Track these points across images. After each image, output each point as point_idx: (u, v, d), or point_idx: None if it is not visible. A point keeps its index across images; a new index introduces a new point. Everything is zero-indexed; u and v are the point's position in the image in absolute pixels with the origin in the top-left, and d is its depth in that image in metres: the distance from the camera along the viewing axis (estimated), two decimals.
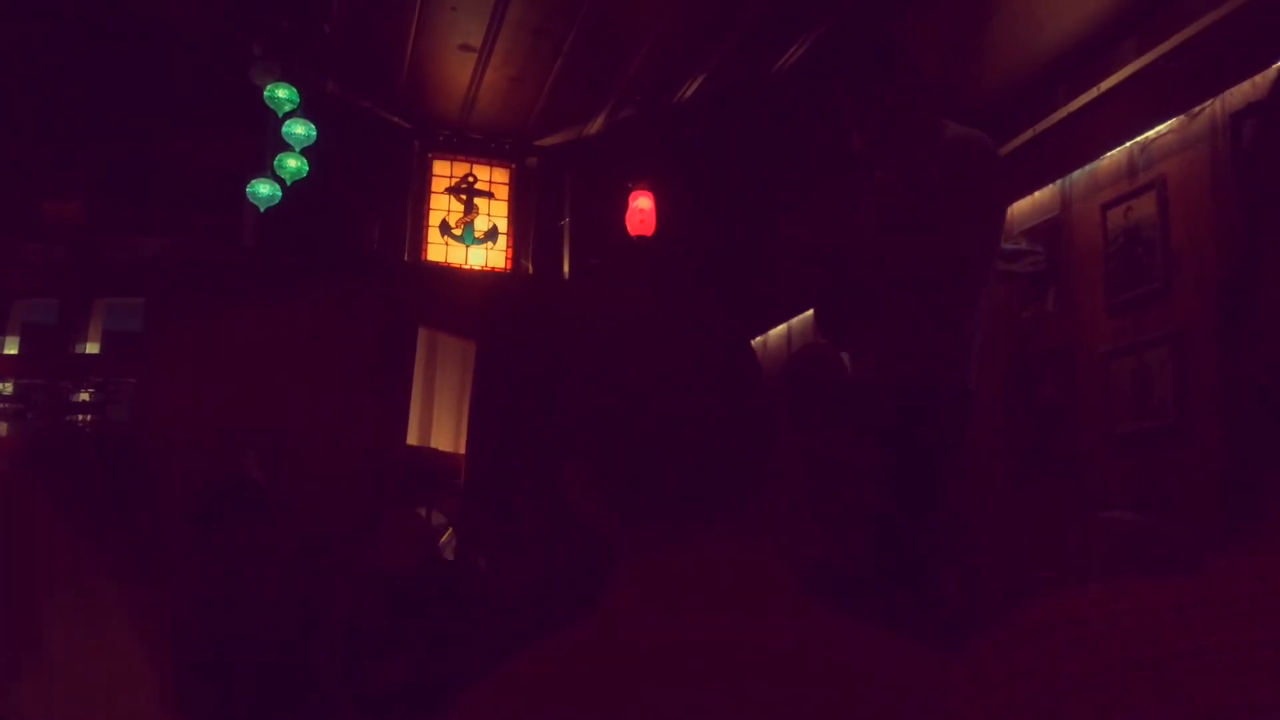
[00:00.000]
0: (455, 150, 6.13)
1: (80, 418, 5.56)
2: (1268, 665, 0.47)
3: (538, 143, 6.10)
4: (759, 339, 5.60)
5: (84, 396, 5.57)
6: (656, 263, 5.41)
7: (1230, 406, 0.58)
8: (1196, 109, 3.17)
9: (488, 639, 2.74)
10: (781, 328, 5.45)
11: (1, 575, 0.79)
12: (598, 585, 0.91)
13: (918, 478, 2.34)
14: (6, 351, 5.74)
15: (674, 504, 0.92)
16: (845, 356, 2.70)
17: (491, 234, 6.14)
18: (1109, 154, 3.52)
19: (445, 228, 6.09)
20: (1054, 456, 3.61)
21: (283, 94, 4.97)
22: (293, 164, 5.12)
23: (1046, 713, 0.50)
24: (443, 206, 6.12)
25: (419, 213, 6.07)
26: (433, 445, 6.05)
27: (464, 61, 5.14)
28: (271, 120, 5.10)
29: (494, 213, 6.18)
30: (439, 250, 6.06)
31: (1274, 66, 2.85)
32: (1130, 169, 3.43)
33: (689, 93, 5.28)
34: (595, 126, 5.79)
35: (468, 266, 6.07)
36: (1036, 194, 3.83)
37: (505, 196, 6.20)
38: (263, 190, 5.09)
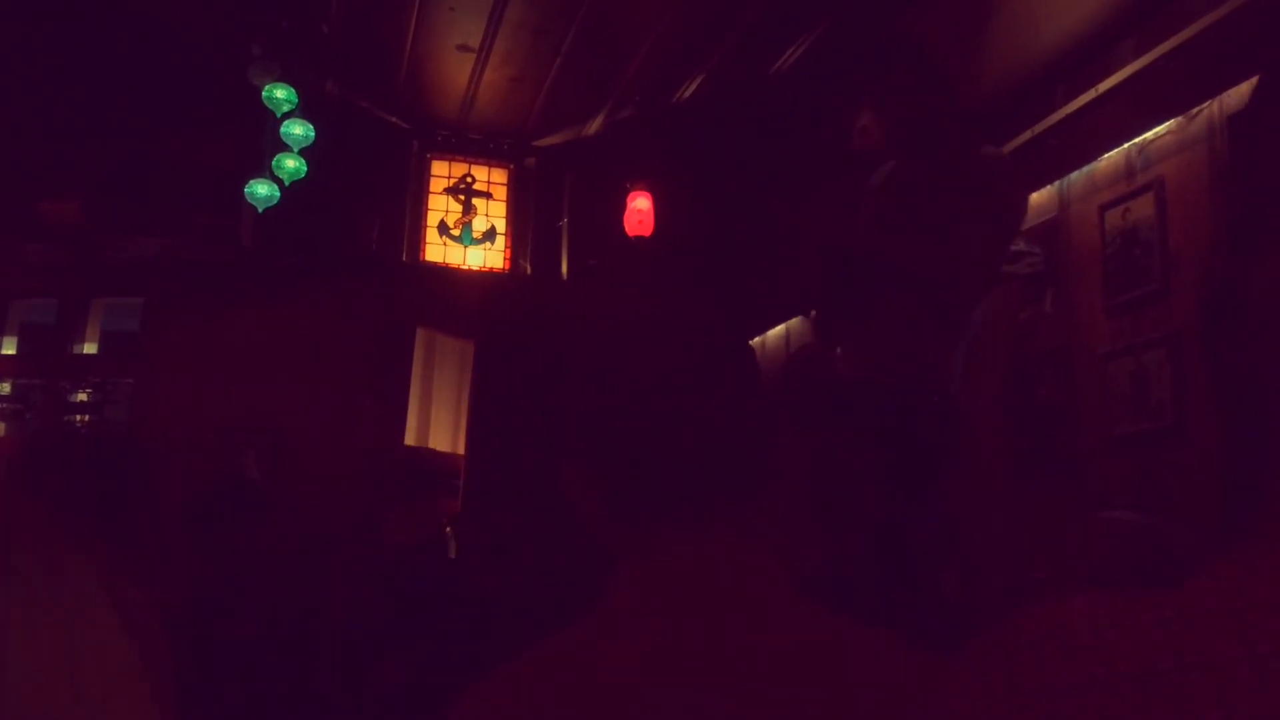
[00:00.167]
0: (454, 150, 6.13)
1: (78, 418, 5.56)
2: (1247, 681, 0.48)
3: (536, 143, 6.10)
4: (758, 339, 5.60)
5: (82, 397, 5.57)
6: (655, 263, 5.41)
7: (1224, 409, 0.58)
8: (1195, 110, 3.17)
9: (488, 639, 2.74)
10: (780, 328, 5.45)
11: None
12: (598, 585, 0.91)
13: (917, 478, 2.34)
14: (5, 352, 5.73)
15: (674, 504, 0.92)
16: (839, 352, 2.69)
17: (490, 234, 6.13)
18: (1107, 155, 3.52)
19: (443, 228, 6.08)
20: (1052, 457, 3.61)
21: (281, 94, 4.97)
22: (291, 164, 5.12)
23: None
24: (441, 207, 6.12)
25: (417, 213, 6.06)
26: (431, 446, 6.04)
27: (463, 61, 5.14)
28: (270, 120, 5.10)
29: (492, 213, 6.17)
30: (437, 250, 6.05)
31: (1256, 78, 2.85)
32: (1128, 170, 3.43)
33: (688, 93, 5.28)
34: (594, 127, 5.78)
35: (466, 267, 6.07)
36: (1035, 195, 3.83)
37: (504, 197, 6.20)
38: (261, 190, 5.09)
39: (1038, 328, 3.75)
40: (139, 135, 5.38)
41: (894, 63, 2.59)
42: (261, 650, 2.24)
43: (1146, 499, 3.12)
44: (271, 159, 5.11)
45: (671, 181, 5.48)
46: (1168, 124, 3.28)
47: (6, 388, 5.60)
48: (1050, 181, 3.75)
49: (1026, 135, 3.79)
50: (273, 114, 5.04)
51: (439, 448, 6.08)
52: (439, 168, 6.13)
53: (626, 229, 5.50)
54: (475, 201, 6.14)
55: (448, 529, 5.11)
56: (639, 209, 5.48)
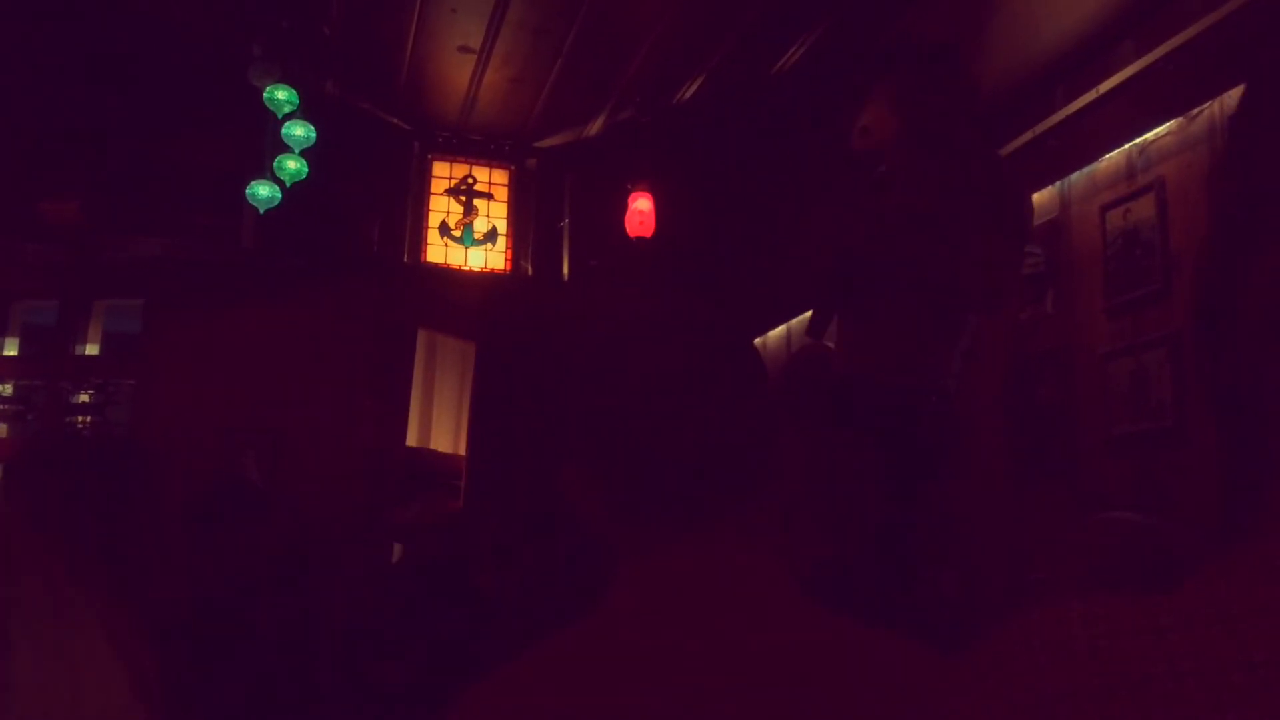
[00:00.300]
0: (455, 151, 6.13)
1: (80, 419, 5.56)
2: (1241, 688, 0.48)
3: (537, 144, 6.10)
4: (759, 339, 5.60)
5: (84, 398, 5.57)
6: (656, 264, 5.41)
7: (1223, 409, 0.58)
8: (1195, 111, 3.17)
9: (488, 639, 2.74)
10: (781, 328, 5.45)
11: None
12: (598, 585, 0.91)
13: (917, 477, 2.34)
14: (6, 353, 5.73)
15: (674, 504, 0.92)
16: (833, 347, 2.69)
17: (491, 235, 6.14)
18: (1108, 156, 3.52)
19: (445, 229, 6.08)
20: (1052, 457, 3.61)
21: (282, 95, 4.98)
22: (292, 165, 5.12)
23: None
24: (442, 208, 6.12)
25: (418, 214, 6.07)
26: (432, 446, 6.05)
27: (463, 63, 5.14)
28: (271, 121, 5.10)
29: (493, 214, 6.18)
30: (438, 251, 6.06)
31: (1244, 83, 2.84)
32: (1129, 171, 3.43)
33: (689, 93, 5.28)
34: (595, 128, 5.78)
35: (467, 268, 6.07)
36: (1035, 196, 3.83)
37: (505, 198, 6.20)
38: (262, 191, 5.09)
39: (1038, 328, 3.75)
40: (139, 135, 5.38)
41: (905, 61, 2.58)
42: (262, 650, 2.24)
43: (1146, 499, 3.12)
44: (272, 160, 5.11)
45: (672, 182, 5.48)
46: (1168, 124, 3.27)
47: (8, 389, 5.60)
48: (1051, 182, 3.75)
49: (1027, 136, 3.79)
50: (274, 115, 5.04)
51: (440, 448, 6.08)
52: (440, 169, 6.13)
53: (627, 230, 5.50)
54: (476, 202, 6.15)
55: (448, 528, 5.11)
56: (640, 210, 5.48)
